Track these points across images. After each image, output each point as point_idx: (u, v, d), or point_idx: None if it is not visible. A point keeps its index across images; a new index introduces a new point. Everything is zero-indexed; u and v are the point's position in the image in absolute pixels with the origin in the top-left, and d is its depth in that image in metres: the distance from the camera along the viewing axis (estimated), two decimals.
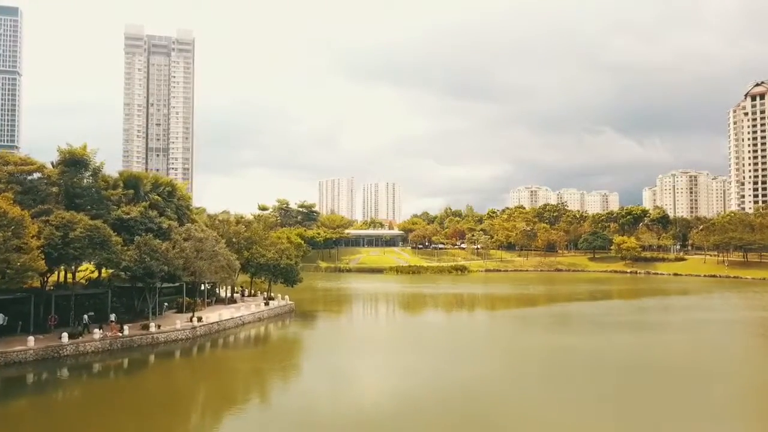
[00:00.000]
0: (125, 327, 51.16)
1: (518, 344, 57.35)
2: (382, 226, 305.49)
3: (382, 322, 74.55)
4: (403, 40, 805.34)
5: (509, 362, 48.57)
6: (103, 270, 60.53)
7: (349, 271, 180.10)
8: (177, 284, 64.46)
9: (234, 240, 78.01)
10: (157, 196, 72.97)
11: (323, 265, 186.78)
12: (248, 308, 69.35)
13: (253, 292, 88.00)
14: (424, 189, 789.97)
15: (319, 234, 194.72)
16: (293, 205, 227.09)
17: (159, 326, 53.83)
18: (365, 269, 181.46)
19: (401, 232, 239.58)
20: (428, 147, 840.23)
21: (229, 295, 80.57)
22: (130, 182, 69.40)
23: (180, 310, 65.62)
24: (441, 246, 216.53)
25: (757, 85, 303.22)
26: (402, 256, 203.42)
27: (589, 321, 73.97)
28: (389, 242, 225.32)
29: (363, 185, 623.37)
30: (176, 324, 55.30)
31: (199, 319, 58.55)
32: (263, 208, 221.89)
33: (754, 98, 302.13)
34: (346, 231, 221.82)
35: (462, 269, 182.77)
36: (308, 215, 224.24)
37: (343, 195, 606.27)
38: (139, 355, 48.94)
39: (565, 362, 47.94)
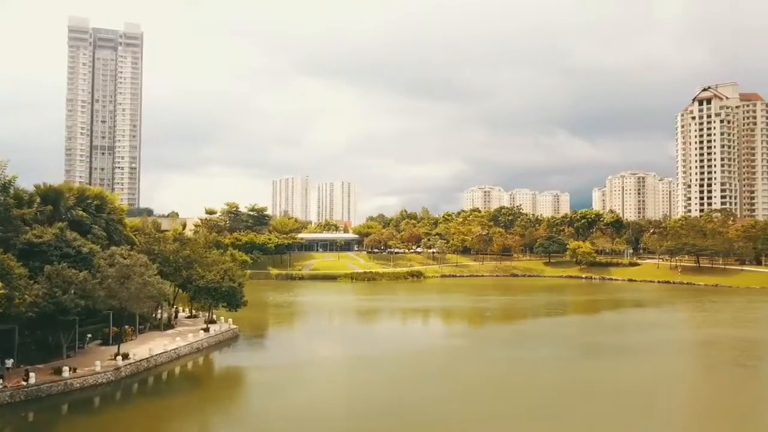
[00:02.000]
0: (31, 373, 43.71)
1: (472, 377, 52.45)
2: (337, 228, 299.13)
3: (336, 351, 68.53)
4: (361, 38, 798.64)
5: (461, 402, 43.57)
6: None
7: (301, 278, 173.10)
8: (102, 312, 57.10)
9: (171, 259, 70.72)
10: (82, 212, 65.34)
11: (274, 272, 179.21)
12: (185, 337, 62.36)
13: (193, 312, 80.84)
14: (381, 188, 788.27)
15: (270, 240, 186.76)
16: (243, 209, 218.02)
17: (74, 369, 46.53)
18: (319, 276, 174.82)
19: (356, 235, 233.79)
20: (386, 146, 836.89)
21: (165, 317, 73.11)
22: (49, 197, 61.51)
23: (106, 342, 58.27)
24: (397, 250, 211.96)
25: (705, 90, 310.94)
26: (357, 261, 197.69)
27: (547, 341, 70.14)
28: (344, 247, 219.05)
29: (318, 185, 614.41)
30: (96, 365, 48.04)
31: (125, 357, 51.39)
32: (211, 212, 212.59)
33: (701, 102, 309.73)
34: (299, 235, 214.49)
35: (418, 275, 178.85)
36: (259, 219, 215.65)
37: (297, 195, 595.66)
38: (48, 408, 41.75)
39: (520, 400, 43.37)
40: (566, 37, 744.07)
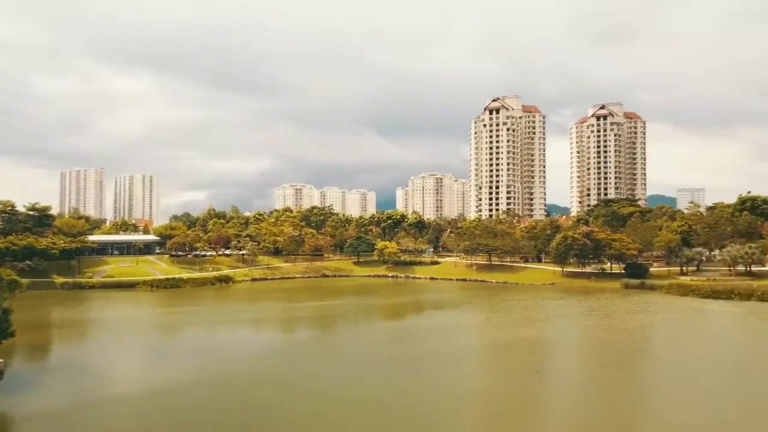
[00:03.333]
0: None
1: (288, 409, 50.38)
2: (136, 228, 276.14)
3: (131, 384, 61.00)
4: (159, 22, 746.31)
5: None
6: None
7: (92, 287, 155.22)
8: None
9: None
10: None
11: (59, 280, 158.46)
12: None
13: None
14: (187, 182, 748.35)
15: (55, 244, 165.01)
16: (21, 208, 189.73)
17: None
18: (113, 284, 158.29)
19: (158, 237, 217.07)
20: (190, 137, 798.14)
21: None
22: None
23: None
24: (204, 253, 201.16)
25: (494, 100, 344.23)
26: (158, 266, 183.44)
27: (359, 355, 70.84)
28: (144, 250, 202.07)
29: (115, 178, 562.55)
30: None
31: None
32: None
33: (491, 112, 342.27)
34: (91, 238, 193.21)
35: (227, 280, 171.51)
36: (41, 220, 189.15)
37: (90, 189, 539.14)
38: None
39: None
40: (371, 40, 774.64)
